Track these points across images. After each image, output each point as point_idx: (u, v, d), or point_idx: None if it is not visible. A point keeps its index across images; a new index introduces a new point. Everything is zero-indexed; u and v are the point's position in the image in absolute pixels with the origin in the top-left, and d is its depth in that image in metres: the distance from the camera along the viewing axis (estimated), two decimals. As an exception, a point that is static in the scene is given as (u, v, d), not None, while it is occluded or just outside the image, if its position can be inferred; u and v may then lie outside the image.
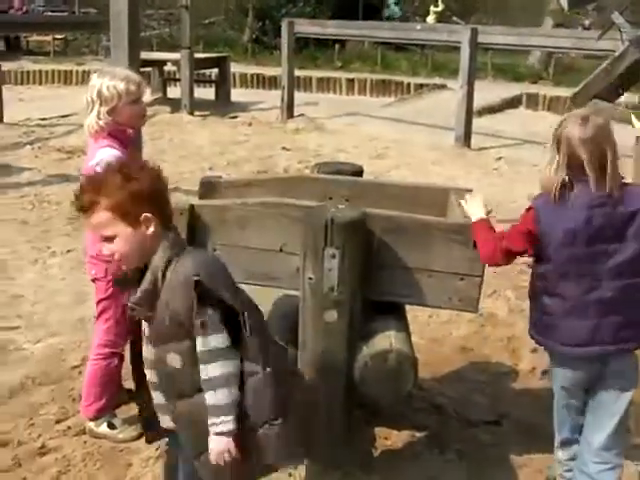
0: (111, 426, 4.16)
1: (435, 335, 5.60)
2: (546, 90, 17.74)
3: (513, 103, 16.96)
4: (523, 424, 4.28)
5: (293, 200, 3.78)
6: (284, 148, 12.06)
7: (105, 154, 3.79)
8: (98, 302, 4.08)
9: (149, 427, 3.17)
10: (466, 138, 12.64)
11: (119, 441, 4.12)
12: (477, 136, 12.89)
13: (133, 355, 3.09)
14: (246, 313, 2.75)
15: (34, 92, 17.78)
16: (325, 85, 19.42)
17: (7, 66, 17.68)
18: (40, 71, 19.36)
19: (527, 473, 3.94)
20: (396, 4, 24.86)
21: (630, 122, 6.38)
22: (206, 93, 16.61)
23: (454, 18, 23.76)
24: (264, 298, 3.53)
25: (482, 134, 13.15)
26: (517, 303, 6.08)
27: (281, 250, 3.67)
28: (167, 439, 3.35)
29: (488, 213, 3.52)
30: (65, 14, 23.41)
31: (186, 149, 11.91)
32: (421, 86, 18.97)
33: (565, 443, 3.54)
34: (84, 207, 2.73)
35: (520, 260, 3.63)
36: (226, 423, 2.72)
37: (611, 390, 3.32)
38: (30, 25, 14.73)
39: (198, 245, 3.71)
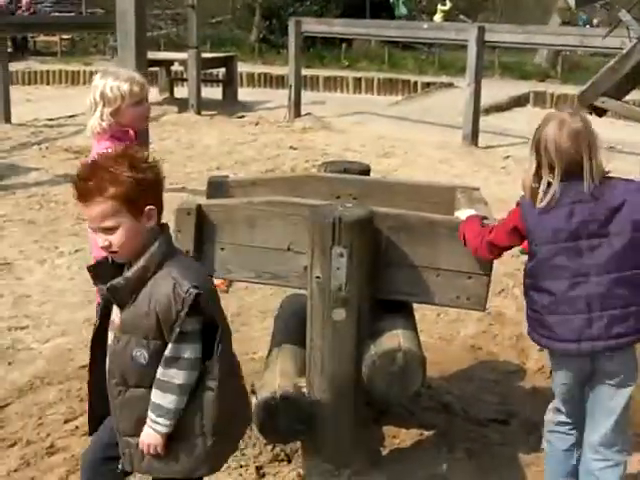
0: None
1: (443, 334, 5.60)
2: (554, 88, 17.73)
3: (520, 101, 16.96)
4: (531, 423, 4.27)
5: (301, 199, 3.79)
6: (291, 147, 12.07)
7: None
8: None
9: (94, 417, 3.04)
10: (473, 136, 12.64)
11: None
12: (484, 134, 12.88)
13: (94, 343, 2.94)
14: (221, 333, 2.71)
15: (42, 92, 17.85)
16: (332, 84, 19.44)
17: (15, 66, 17.74)
18: (47, 71, 19.43)
19: (535, 472, 3.93)
20: (403, 3, 24.83)
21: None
22: (213, 93, 16.64)
23: (461, 16, 23.77)
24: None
25: (489, 132, 13.14)
26: (525, 301, 6.06)
27: (289, 249, 3.67)
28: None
29: (483, 218, 3.54)
30: (72, 14, 23.47)
31: (193, 149, 11.92)
32: (428, 85, 18.99)
33: (560, 411, 3.49)
34: (88, 193, 2.61)
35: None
36: (163, 426, 2.71)
37: (606, 387, 3.29)
38: (37, 25, 14.76)
39: (207, 244, 3.71)
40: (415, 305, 4.16)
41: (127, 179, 2.59)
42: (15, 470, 3.89)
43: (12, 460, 3.96)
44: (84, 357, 4.98)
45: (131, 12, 6.31)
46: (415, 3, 26.95)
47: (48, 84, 19.09)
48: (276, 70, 19.74)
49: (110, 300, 2.77)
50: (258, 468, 3.88)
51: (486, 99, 13.25)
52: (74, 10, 25.65)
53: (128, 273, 2.68)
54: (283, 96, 15.50)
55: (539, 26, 15.82)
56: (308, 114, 14.95)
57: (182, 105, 15.07)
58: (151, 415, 2.72)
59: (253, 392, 4.33)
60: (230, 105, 15.90)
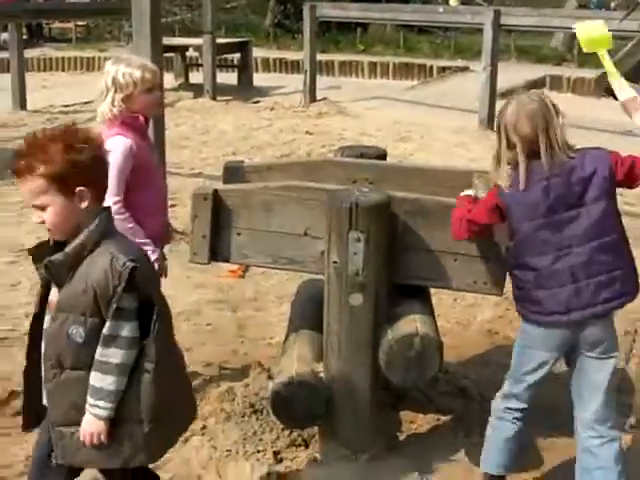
0: None
1: (460, 318, 5.60)
2: (570, 72, 17.61)
3: (537, 85, 16.81)
4: (547, 407, 4.25)
5: (317, 184, 3.78)
6: (307, 132, 12.04)
7: (113, 143, 3.78)
8: None
9: (29, 410, 2.97)
10: (490, 120, 12.54)
11: None
12: (501, 119, 12.78)
13: (33, 328, 2.90)
14: (158, 314, 2.70)
15: (57, 79, 17.86)
16: (347, 69, 19.36)
17: (30, 53, 17.76)
18: (63, 58, 19.43)
19: (551, 456, 3.93)
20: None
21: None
22: (228, 78, 16.61)
23: (477, 0, 23.61)
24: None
25: (506, 116, 13.04)
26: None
27: (306, 234, 3.67)
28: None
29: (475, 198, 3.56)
30: (87, 1, 23.45)
31: (209, 134, 11.91)
32: (444, 69, 18.89)
33: (511, 397, 3.52)
34: (20, 171, 2.64)
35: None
36: (105, 409, 2.67)
37: (590, 360, 3.33)
38: (52, 12, 14.72)
39: (223, 229, 3.72)
40: (432, 290, 4.15)
41: (59, 159, 2.60)
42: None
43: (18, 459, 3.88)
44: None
45: (146, -2, 6.30)
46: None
47: (63, 70, 19.09)
48: (291, 55, 19.67)
49: (49, 280, 2.77)
50: (275, 453, 3.89)
51: (502, 83, 13.15)
52: (89, -4, 25.64)
53: (67, 249, 2.69)
54: (298, 81, 15.45)
55: (555, 9, 15.70)
56: (324, 99, 14.91)
57: (197, 91, 15.04)
58: (90, 400, 2.68)
59: (270, 377, 4.35)
60: (245, 90, 15.87)
